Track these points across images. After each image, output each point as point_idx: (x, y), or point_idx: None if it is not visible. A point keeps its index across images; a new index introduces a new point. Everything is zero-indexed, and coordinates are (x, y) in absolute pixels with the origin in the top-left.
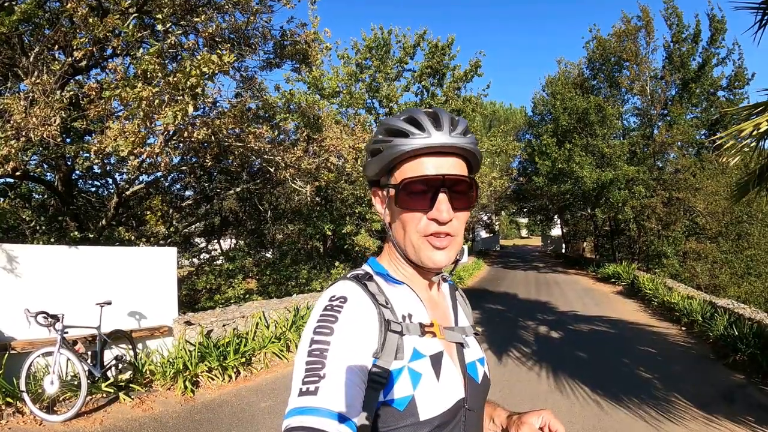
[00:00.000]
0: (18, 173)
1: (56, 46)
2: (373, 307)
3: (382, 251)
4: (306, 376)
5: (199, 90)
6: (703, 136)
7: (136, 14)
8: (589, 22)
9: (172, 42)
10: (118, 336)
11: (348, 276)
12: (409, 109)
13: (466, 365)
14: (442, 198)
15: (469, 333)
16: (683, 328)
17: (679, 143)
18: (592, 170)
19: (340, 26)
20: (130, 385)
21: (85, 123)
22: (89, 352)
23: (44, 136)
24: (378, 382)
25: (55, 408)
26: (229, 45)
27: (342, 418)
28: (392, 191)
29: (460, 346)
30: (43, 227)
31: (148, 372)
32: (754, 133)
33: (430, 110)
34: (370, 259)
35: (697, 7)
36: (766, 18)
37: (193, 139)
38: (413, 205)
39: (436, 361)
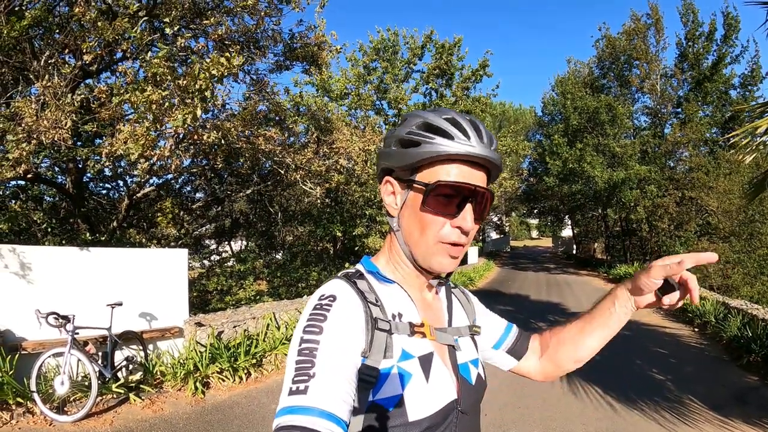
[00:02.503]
0: (29, 176)
1: (66, 50)
2: (361, 305)
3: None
4: (296, 375)
5: (208, 93)
6: (715, 135)
7: (145, 18)
8: (598, 21)
9: (182, 45)
10: (129, 337)
11: (339, 275)
12: (445, 109)
13: (459, 366)
14: (469, 208)
15: (465, 334)
16: (696, 329)
17: (692, 142)
18: (603, 170)
19: (345, 34)
20: (141, 386)
21: (95, 126)
22: (100, 353)
23: (55, 138)
24: (367, 381)
25: (65, 408)
26: (238, 47)
27: (332, 417)
28: (417, 188)
29: (452, 347)
30: (55, 229)
31: (158, 373)
32: None
33: (469, 117)
34: (364, 258)
35: (709, 4)
36: None
37: (203, 142)
38: (441, 209)
39: (426, 362)
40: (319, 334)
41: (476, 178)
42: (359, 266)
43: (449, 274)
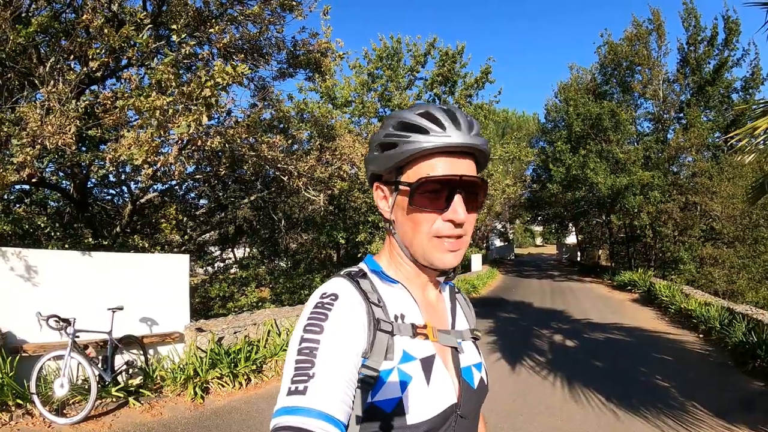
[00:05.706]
0: (34, 180)
1: (72, 57)
2: (363, 305)
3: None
4: (295, 374)
5: (213, 100)
6: (717, 139)
7: (150, 25)
8: (600, 27)
9: (187, 52)
10: (130, 341)
11: (341, 273)
12: (422, 104)
13: (461, 370)
14: (458, 199)
15: (467, 337)
16: (701, 335)
17: (695, 147)
18: (606, 176)
19: (349, 29)
20: (140, 390)
21: (100, 132)
22: (100, 357)
23: (60, 144)
24: (367, 382)
25: (64, 411)
26: (242, 55)
27: (330, 419)
28: (403, 189)
29: (455, 350)
30: (58, 234)
31: (158, 377)
32: None
33: (445, 107)
34: (367, 257)
35: (710, 7)
36: None
37: (207, 148)
38: (429, 205)
39: (427, 364)
40: (319, 333)
41: (461, 167)
42: (362, 265)
43: (455, 271)
